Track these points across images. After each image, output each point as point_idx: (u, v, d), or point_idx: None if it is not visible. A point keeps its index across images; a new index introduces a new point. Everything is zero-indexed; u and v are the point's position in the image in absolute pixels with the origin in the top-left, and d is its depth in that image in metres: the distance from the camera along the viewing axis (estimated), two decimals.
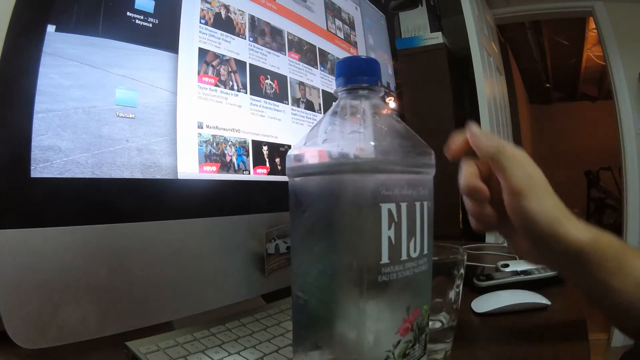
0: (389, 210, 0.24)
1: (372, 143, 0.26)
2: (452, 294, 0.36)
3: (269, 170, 0.48)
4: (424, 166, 0.27)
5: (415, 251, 0.26)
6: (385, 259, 0.24)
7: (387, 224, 0.24)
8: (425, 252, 0.27)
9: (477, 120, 1.61)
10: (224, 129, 0.44)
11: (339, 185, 0.25)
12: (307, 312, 0.27)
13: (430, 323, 0.36)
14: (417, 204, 0.26)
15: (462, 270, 0.37)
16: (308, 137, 0.29)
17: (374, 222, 0.24)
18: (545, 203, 0.33)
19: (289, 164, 0.28)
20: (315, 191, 0.27)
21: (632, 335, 0.37)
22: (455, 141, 0.36)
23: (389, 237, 0.24)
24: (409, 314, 0.26)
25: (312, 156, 0.27)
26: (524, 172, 0.34)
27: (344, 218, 0.25)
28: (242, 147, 0.45)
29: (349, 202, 0.24)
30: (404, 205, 0.25)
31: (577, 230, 0.34)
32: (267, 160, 0.48)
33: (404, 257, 0.25)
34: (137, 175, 0.36)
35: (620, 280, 0.34)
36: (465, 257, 0.38)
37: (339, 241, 0.25)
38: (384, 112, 0.29)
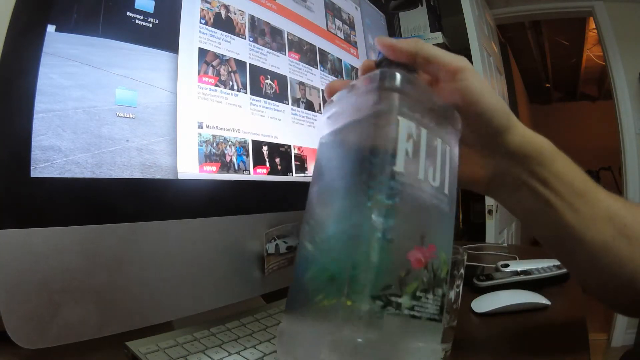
0: (408, 127, 0.24)
1: (400, 70, 0.26)
2: (452, 294, 0.36)
3: (269, 170, 0.48)
4: (447, 115, 0.28)
5: (434, 180, 0.25)
6: (400, 167, 0.23)
7: (405, 136, 0.24)
8: (447, 191, 0.26)
9: None
10: (224, 129, 0.44)
11: (365, 101, 0.26)
12: (312, 259, 0.26)
13: None
14: (439, 141, 0.26)
15: (462, 270, 0.37)
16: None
17: (391, 128, 0.24)
18: (493, 93, 0.30)
19: (323, 111, 0.30)
20: (342, 133, 0.28)
21: (595, 292, 0.35)
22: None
23: (406, 150, 0.24)
24: (422, 244, 0.24)
25: (345, 88, 0.29)
26: (456, 56, 0.30)
27: (365, 128, 0.25)
28: (242, 147, 0.45)
29: (370, 111, 0.25)
30: (424, 132, 0.25)
31: (533, 133, 0.31)
32: (267, 160, 0.48)
33: (421, 176, 0.24)
34: (137, 175, 0.36)
35: (591, 206, 0.31)
36: (465, 257, 0.38)
37: (358, 153, 0.25)
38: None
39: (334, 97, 0.30)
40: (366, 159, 0.24)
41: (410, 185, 0.24)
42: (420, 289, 0.24)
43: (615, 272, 0.33)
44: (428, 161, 0.25)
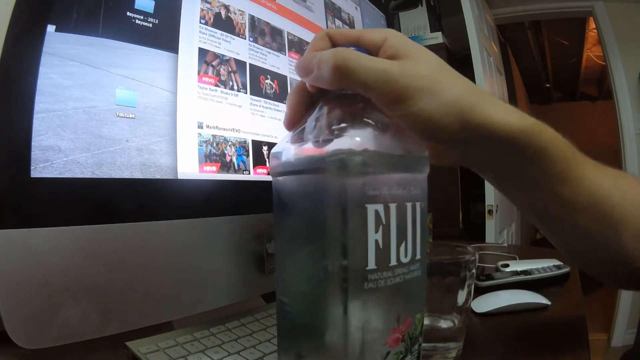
0: (376, 212, 0.22)
1: (358, 139, 0.23)
2: (463, 294, 0.36)
3: (269, 170, 0.48)
4: (416, 164, 0.26)
5: (406, 256, 0.24)
6: (371, 264, 0.22)
7: (374, 227, 0.22)
8: (418, 257, 0.25)
9: None
10: (224, 129, 0.44)
11: (321, 184, 0.23)
12: (291, 320, 0.26)
13: (443, 323, 0.36)
14: (409, 205, 0.24)
15: (473, 270, 0.37)
16: (292, 132, 0.27)
17: (359, 224, 0.22)
18: (446, 94, 0.26)
19: (271, 162, 0.27)
20: (297, 191, 0.25)
21: (587, 268, 0.34)
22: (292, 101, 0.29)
23: (376, 241, 0.22)
24: (399, 324, 0.24)
25: (293, 153, 0.25)
26: (399, 72, 0.25)
27: (326, 220, 0.23)
28: (242, 147, 0.45)
29: (332, 203, 0.22)
30: (393, 207, 0.23)
31: (506, 114, 0.26)
32: (267, 160, 0.48)
33: (393, 262, 0.23)
34: (137, 175, 0.36)
35: (572, 191, 0.29)
36: (477, 257, 0.37)
37: (322, 245, 0.23)
38: (376, 107, 0.27)
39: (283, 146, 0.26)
40: (334, 257, 0.22)
41: (384, 279, 0.23)
42: (400, 359, 0.24)
43: (599, 254, 0.32)
44: (399, 239, 0.24)
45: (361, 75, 0.25)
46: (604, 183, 0.30)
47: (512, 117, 0.27)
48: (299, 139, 0.26)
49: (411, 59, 0.26)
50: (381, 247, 0.23)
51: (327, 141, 0.24)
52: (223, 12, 0.46)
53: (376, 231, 0.22)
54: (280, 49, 0.53)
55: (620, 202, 0.30)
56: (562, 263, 0.64)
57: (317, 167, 0.24)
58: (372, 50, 0.27)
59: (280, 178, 0.27)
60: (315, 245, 0.24)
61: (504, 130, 0.27)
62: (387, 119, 0.27)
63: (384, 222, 0.23)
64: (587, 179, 0.30)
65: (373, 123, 0.26)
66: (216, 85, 0.43)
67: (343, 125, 0.25)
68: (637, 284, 0.35)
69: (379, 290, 0.23)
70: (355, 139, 0.23)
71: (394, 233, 0.23)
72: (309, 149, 0.25)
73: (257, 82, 0.48)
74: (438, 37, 1.67)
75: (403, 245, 0.24)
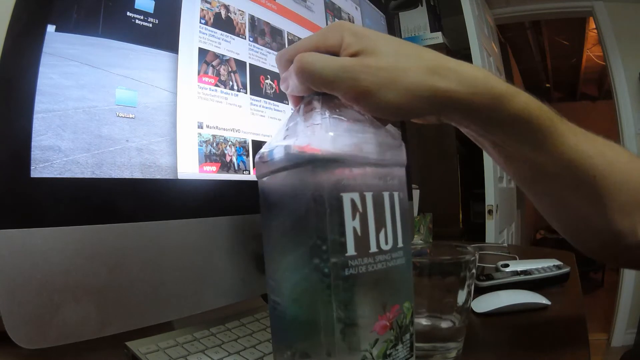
0: (352, 200, 0.23)
1: (331, 134, 0.25)
2: (463, 294, 0.36)
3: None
4: (390, 157, 0.26)
5: (387, 243, 0.25)
6: (351, 250, 0.23)
7: (350, 214, 0.23)
8: (400, 244, 0.26)
9: None
10: (224, 129, 0.44)
11: (298, 179, 0.24)
12: (282, 316, 0.26)
13: (443, 323, 0.36)
14: (386, 194, 0.25)
15: (473, 270, 0.37)
16: (274, 136, 0.29)
17: (335, 212, 0.23)
18: (407, 81, 0.26)
19: (255, 165, 0.29)
20: (278, 189, 0.26)
21: (579, 244, 0.32)
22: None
23: (354, 228, 0.23)
24: (385, 311, 0.25)
25: (272, 153, 0.27)
26: (360, 71, 0.26)
27: (305, 211, 0.24)
28: (242, 147, 0.45)
29: (308, 194, 0.23)
30: (369, 195, 0.24)
31: (469, 86, 0.27)
32: None
33: (373, 249, 0.24)
34: (137, 175, 0.36)
35: (547, 157, 0.28)
36: (477, 257, 0.37)
37: (303, 235, 0.24)
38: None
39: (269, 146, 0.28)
40: (315, 245, 0.23)
41: (365, 265, 0.24)
42: (390, 347, 0.25)
43: (585, 228, 0.31)
44: (378, 226, 0.24)
45: (322, 75, 0.26)
46: (587, 151, 0.29)
47: (476, 89, 0.27)
48: (277, 139, 0.27)
49: (369, 53, 0.27)
50: (359, 234, 0.24)
51: (303, 138, 0.25)
52: (223, 12, 0.46)
53: (353, 218, 0.23)
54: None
55: (604, 172, 0.29)
56: (562, 263, 0.64)
57: (293, 163, 0.25)
58: (335, 53, 0.28)
59: (264, 179, 0.28)
60: (297, 238, 0.25)
61: (469, 104, 0.27)
62: (362, 117, 0.28)
63: (360, 210, 0.24)
64: (566, 145, 0.29)
65: (345, 119, 0.27)
66: (216, 85, 0.43)
67: (317, 122, 0.26)
68: (633, 262, 0.33)
69: (361, 276, 0.23)
70: (328, 134, 0.25)
71: (372, 220, 0.24)
72: (286, 147, 0.26)
73: (257, 82, 0.48)
74: (438, 37, 1.67)
75: (382, 232, 0.25)
